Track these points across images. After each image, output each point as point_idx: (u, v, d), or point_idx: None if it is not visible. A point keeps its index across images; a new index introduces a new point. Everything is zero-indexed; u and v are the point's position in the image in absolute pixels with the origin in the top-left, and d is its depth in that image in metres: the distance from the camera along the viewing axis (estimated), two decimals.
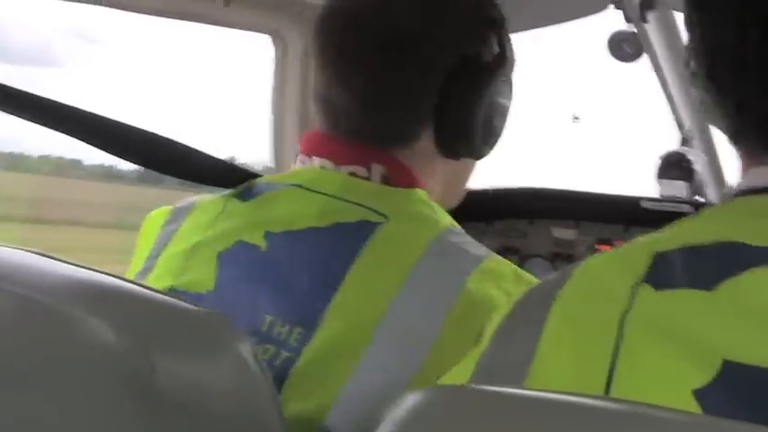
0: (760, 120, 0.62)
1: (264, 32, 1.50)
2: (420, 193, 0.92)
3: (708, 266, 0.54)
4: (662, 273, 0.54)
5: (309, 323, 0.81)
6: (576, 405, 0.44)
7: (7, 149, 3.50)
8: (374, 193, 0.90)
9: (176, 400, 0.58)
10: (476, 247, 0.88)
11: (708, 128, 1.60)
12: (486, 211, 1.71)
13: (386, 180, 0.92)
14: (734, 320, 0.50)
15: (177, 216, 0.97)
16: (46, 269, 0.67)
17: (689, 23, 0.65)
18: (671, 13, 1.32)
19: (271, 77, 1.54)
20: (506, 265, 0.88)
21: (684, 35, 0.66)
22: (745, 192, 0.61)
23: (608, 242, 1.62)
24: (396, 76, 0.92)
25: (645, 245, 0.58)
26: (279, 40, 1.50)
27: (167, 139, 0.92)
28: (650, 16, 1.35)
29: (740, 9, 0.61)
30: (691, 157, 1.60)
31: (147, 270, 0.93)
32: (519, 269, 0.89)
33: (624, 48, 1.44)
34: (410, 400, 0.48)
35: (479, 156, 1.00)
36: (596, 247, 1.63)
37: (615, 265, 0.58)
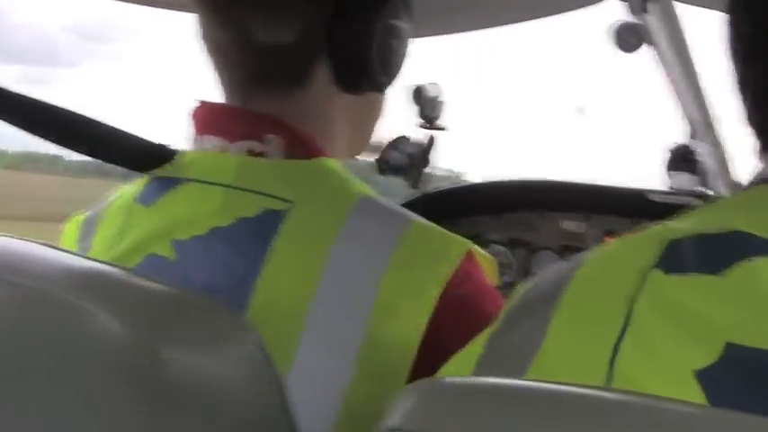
0: None
1: None
2: (325, 162, 0.85)
3: (717, 253, 0.54)
4: (673, 258, 0.55)
5: None
6: (579, 397, 0.44)
7: None
8: (274, 173, 0.83)
9: (183, 392, 0.58)
10: (392, 218, 0.81)
11: (714, 120, 1.60)
12: (495, 204, 1.71)
13: (286, 151, 0.84)
14: (739, 304, 0.51)
15: (88, 230, 0.90)
16: (52, 260, 0.67)
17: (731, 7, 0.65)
18: (672, 4, 1.31)
19: None
20: (432, 230, 0.81)
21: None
22: (760, 181, 0.62)
23: (616, 234, 1.62)
24: (275, 7, 0.85)
25: (657, 232, 0.59)
26: None
27: (86, 117, 0.84)
28: (651, 7, 1.35)
29: None
30: (698, 149, 1.60)
31: None
32: (447, 232, 0.82)
33: (628, 38, 1.44)
34: (412, 393, 0.49)
35: (382, 87, 0.91)
36: (605, 239, 1.63)
37: (627, 252, 0.58)
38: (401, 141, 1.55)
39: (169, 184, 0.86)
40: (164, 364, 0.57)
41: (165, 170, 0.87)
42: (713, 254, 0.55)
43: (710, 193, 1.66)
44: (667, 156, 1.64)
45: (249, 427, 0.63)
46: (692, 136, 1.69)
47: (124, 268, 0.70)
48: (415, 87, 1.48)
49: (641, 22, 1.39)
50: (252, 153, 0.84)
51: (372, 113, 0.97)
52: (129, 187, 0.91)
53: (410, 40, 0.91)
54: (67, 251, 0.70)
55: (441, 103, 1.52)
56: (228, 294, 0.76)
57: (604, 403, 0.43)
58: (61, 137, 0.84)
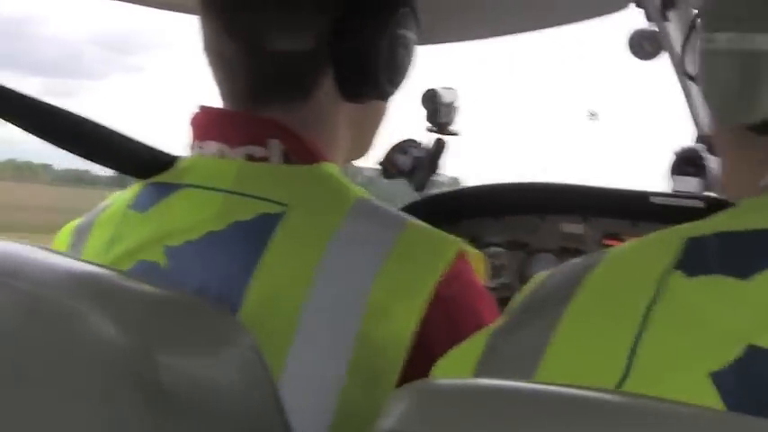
0: None
1: None
2: (324, 167, 0.85)
3: (743, 253, 0.54)
4: (694, 258, 0.54)
5: None
6: (576, 399, 0.44)
7: None
8: (273, 177, 0.83)
9: (179, 396, 0.58)
10: (385, 220, 0.81)
11: None
12: (495, 207, 1.71)
13: (287, 157, 0.84)
14: (763, 307, 0.50)
15: (80, 237, 0.90)
16: (50, 264, 0.67)
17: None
18: (692, 11, 1.31)
19: None
20: (424, 231, 0.81)
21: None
22: None
23: (616, 237, 1.62)
24: (285, 16, 0.85)
25: (677, 231, 0.58)
26: None
27: (90, 121, 0.83)
28: (671, 14, 1.35)
29: None
30: (705, 153, 1.60)
31: None
32: (439, 232, 0.82)
33: (644, 46, 1.44)
34: (405, 396, 0.48)
35: (386, 96, 0.91)
36: (604, 241, 1.63)
37: (646, 253, 0.58)
38: (407, 144, 1.55)
39: (166, 190, 0.85)
40: (158, 365, 0.57)
41: (163, 176, 0.86)
42: (738, 254, 0.54)
43: (714, 196, 1.65)
44: (672, 159, 1.63)
45: (243, 428, 0.63)
46: (699, 140, 1.68)
47: (120, 272, 0.70)
48: (426, 91, 1.47)
49: (657, 30, 1.39)
50: (252, 158, 0.84)
51: (375, 120, 0.97)
52: (122, 194, 0.90)
53: (415, 48, 0.91)
54: (62, 254, 0.70)
55: (455, 108, 1.52)
56: (221, 297, 0.76)
57: (609, 406, 0.43)
58: (62, 140, 0.83)
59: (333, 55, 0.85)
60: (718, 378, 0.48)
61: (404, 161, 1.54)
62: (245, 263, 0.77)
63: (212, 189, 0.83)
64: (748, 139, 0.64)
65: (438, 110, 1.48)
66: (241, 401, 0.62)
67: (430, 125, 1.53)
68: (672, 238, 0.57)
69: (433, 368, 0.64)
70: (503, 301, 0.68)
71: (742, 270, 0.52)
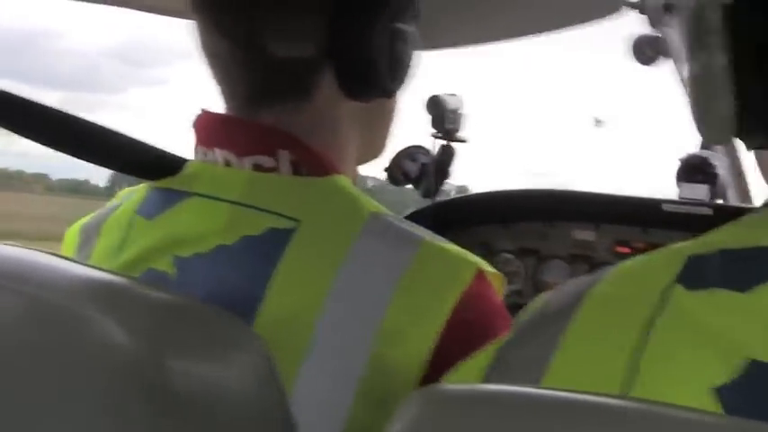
0: None
1: None
2: (338, 181, 0.83)
3: (743, 269, 0.54)
4: (695, 274, 0.55)
5: None
6: (591, 405, 0.44)
7: None
8: (283, 190, 0.81)
9: (189, 401, 0.58)
10: (400, 239, 0.79)
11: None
12: (505, 213, 1.71)
13: (296, 168, 0.82)
14: (765, 322, 0.50)
15: (88, 239, 0.89)
16: (57, 269, 0.66)
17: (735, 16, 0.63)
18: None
19: None
20: (440, 251, 0.79)
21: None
22: None
23: (627, 244, 1.62)
24: (279, 16, 0.82)
25: (680, 249, 0.58)
26: None
27: (95, 125, 0.83)
28: (673, 21, 1.35)
29: None
30: (714, 161, 1.60)
31: None
32: (457, 251, 0.80)
33: (647, 51, 1.44)
34: (415, 402, 0.48)
35: (389, 92, 0.88)
36: (615, 248, 1.63)
37: (650, 268, 0.58)
38: (415, 150, 1.54)
39: (174, 197, 0.84)
40: (168, 370, 0.57)
41: (171, 182, 0.85)
42: (739, 270, 0.54)
43: (723, 203, 1.65)
44: (679, 166, 1.63)
45: None
46: (704, 146, 1.68)
47: (128, 277, 0.70)
48: (430, 97, 1.46)
49: (660, 35, 1.40)
50: (260, 168, 0.82)
51: (383, 119, 0.95)
52: (129, 195, 0.90)
53: (417, 43, 0.89)
54: (70, 259, 0.70)
55: (461, 115, 1.51)
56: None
57: (618, 411, 0.43)
58: (68, 144, 0.83)
59: (330, 53, 0.83)
60: (721, 393, 0.48)
61: (411, 167, 1.53)
62: (256, 280, 0.76)
63: (220, 199, 0.82)
64: None
65: (444, 116, 1.47)
66: (251, 406, 0.61)
67: (435, 131, 1.52)
68: (675, 255, 0.57)
69: (442, 381, 0.63)
70: (514, 308, 0.68)
71: (742, 284, 0.52)
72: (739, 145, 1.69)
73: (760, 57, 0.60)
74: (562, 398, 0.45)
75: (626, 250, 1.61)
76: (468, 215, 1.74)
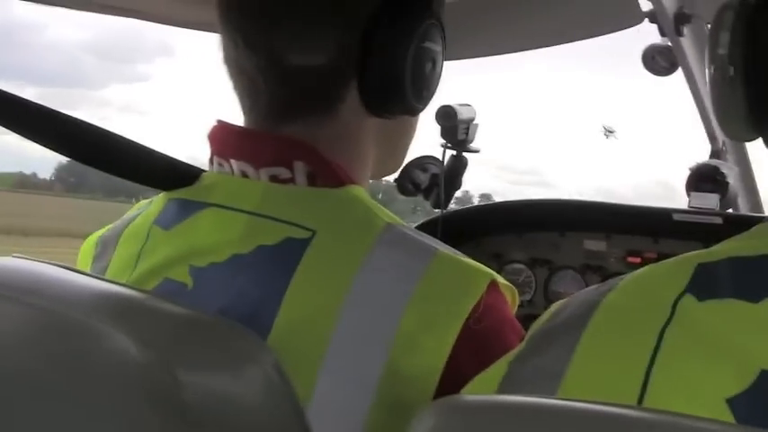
0: None
1: None
2: (353, 191, 0.83)
3: (754, 279, 0.54)
4: (705, 283, 0.55)
5: None
6: (603, 415, 0.44)
7: None
8: (299, 200, 0.82)
9: (201, 414, 0.57)
10: (415, 249, 0.79)
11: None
12: (517, 223, 1.71)
13: (312, 179, 0.82)
14: None
15: (105, 249, 0.90)
16: (68, 282, 0.66)
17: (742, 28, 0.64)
18: (706, 26, 1.32)
19: None
20: (455, 262, 0.79)
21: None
22: None
23: (638, 254, 1.62)
24: (304, 30, 0.83)
25: (690, 258, 0.58)
26: None
27: (110, 133, 0.83)
28: (685, 30, 1.36)
29: None
30: (724, 169, 1.59)
31: None
32: (470, 262, 0.80)
33: (658, 61, 1.45)
34: (433, 412, 0.48)
35: (414, 111, 0.89)
36: (627, 258, 1.63)
37: (659, 277, 0.58)
38: (426, 161, 1.54)
39: (192, 208, 0.85)
40: (182, 385, 0.57)
41: (188, 192, 0.86)
42: (749, 279, 0.54)
43: (734, 213, 1.65)
44: (689, 175, 1.63)
45: None
46: (714, 156, 1.68)
47: (141, 290, 0.70)
48: (441, 107, 1.46)
49: (672, 45, 1.40)
50: (277, 179, 0.83)
51: (404, 136, 0.95)
52: (148, 207, 0.90)
53: (443, 62, 0.89)
54: (82, 272, 0.70)
55: (475, 125, 1.50)
56: (247, 322, 0.74)
57: (634, 421, 0.43)
58: (82, 153, 0.84)
59: (357, 69, 0.83)
60: (733, 404, 0.48)
61: (422, 178, 1.53)
62: (272, 289, 0.76)
63: (237, 210, 0.82)
64: None
65: (456, 126, 1.46)
66: (265, 420, 0.61)
67: (444, 141, 1.51)
68: (684, 264, 0.57)
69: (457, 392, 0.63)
70: (526, 318, 0.68)
71: (753, 294, 0.52)
72: (749, 154, 1.70)
73: None
74: (580, 408, 0.45)
75: (637, 260, 1.61)
76: (480, 225, 1.74)
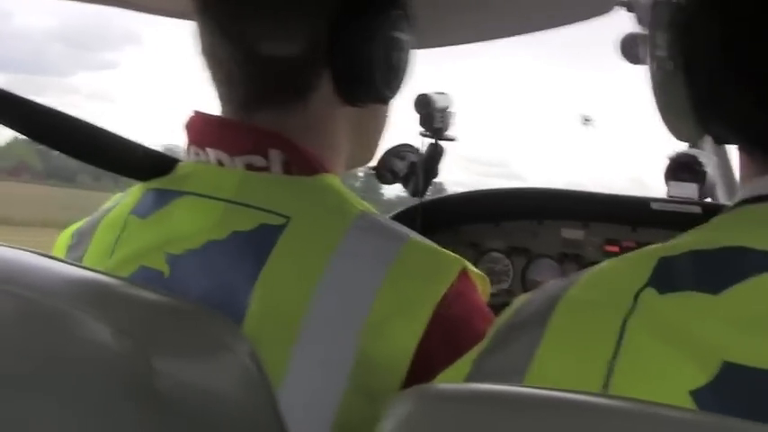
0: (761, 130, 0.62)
1: None
2: (325, 179, 0.85)
3: (714, 271, 0.54)
4: (666, 277, 0.55)
5: None
6: (572, 402, 0.44)
7: None
8: (275, 188, 0.83)
9: (176, 401, 0.58)
10: (387, 236, 0.80)
11: None
12: (494, 212, 1.71)
13: (287, 167, 0.84)
14: (738, 324, 0.50)
15: (81, 240, 0.90)
16: (45, 269, 0.67)
17: (685, 25, 0.64)
18: None
19: None
20: (426, 249, 0.81)
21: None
22: (750, 200, 0.61)
23: (616, 243, 1.62)
24: (277, 21, 0.85)
25: (652, 251, 0.58)
26: None
27: (86, 123, 0.83)
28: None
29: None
30: (702, 159, 1.60)
31: None
32: (441, 250, 0.81)
33: (635, 50, 1.45)
34: (406, 400, 0.49)
35: (384, 99, 0.91)
36: (605, 247, 1.63)
37: (621, 271, 0.58)
38: (404, 149, 1.54)
39: (168, 196, 0.85)
40: (155, 371, 0.57)
41: (164, 182, 0.87)
42: (710, 271, 0.54)
43: (712, 202, 1.66)
44: (667, 164, 1.63)
45: None
46: (692, 145, 1.69)
47: (118, 278, 0.70)
48: (419, 95, 1.47)
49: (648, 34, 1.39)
50: (252, 167, 0.84)
51: (377, 125, 0.97)
52: (124, 197, 0.90)
53: (413, 51, 0.91)
54: (61, 260, 0.70)
55: (450, 113, 1.51)
56: (223, 306, 0.75)
57: (600, 408, 0.43)
58: (59, 142, 0.84)
59: (328, 57, 0.85)
60: (697, 396, 0.48)
61: (399, 166, 1.53)
62: (246, 273, 0.77)
63: (213, 198, 0.83)
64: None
65: (432, 115, 1.47)
66: (239, 408, 0.62)
67: (423, 130, 1.52)
68: (646, 258, 0.57)
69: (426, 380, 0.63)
70: (503, 307, 0.68)
71: (714, 286, 0.52)
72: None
73: (717, 56, 0.60)
74: (550, 396, 0.45)
75: (615, 249, 1.61)
76: (457, 214, 1.74)
